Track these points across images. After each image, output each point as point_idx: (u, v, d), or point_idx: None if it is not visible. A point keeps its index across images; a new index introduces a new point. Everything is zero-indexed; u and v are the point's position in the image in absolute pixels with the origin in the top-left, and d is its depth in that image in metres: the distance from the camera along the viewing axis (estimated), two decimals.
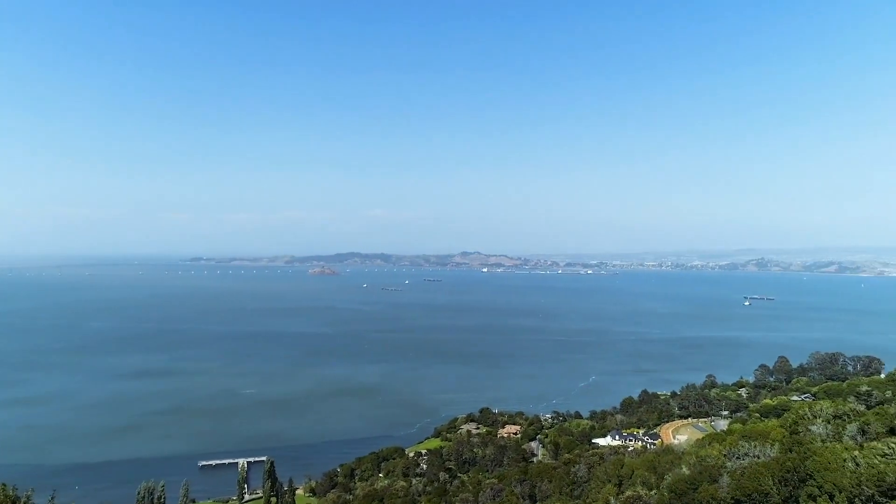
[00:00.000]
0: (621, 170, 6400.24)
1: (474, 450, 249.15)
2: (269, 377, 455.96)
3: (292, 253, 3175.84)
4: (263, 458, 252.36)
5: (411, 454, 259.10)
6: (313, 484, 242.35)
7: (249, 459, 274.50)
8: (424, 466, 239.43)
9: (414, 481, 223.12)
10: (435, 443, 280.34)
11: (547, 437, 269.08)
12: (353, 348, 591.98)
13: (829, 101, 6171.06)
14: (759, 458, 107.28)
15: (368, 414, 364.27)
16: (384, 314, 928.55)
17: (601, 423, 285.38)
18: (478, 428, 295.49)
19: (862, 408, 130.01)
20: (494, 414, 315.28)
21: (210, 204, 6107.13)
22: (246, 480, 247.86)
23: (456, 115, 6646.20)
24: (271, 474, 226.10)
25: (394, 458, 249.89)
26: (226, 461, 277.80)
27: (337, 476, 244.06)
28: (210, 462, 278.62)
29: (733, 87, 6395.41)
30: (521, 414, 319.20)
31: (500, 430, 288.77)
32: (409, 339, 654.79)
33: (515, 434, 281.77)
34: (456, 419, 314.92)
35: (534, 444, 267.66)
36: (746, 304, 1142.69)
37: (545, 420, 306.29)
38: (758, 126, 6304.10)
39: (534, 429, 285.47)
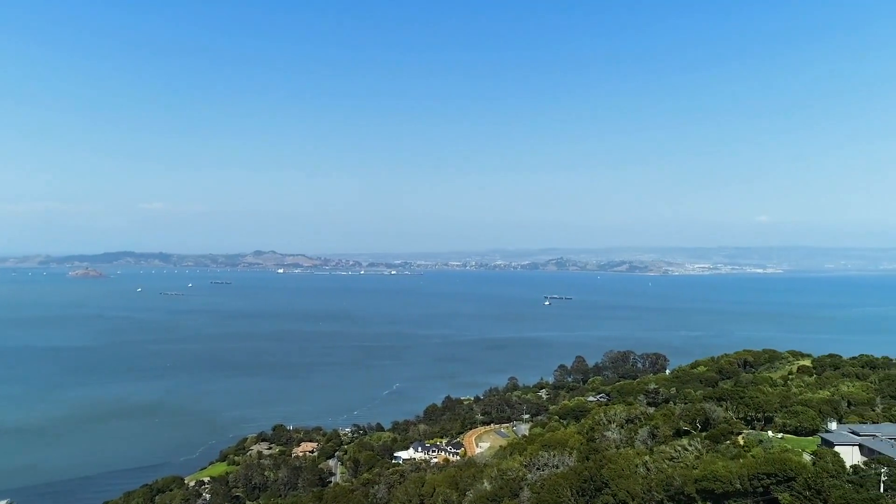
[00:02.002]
0: (426, 168, 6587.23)
1: (265, 473, 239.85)
2: (16, 402, 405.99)
3: (48, 252, 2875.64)
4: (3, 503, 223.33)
5: (192, 483, 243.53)
6: None
7: None
8: (207, 496, 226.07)
9: None
10: (220, 468, 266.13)
11: (346, 453, 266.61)
12: (125, 363, 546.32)
13: (619, 109, 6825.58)
14: (558, 467, 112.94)
15: (143, 439, 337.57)
16: (163, 322, 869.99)
17: (404, 434, 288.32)
18: (270, 448, 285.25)
19: (651, 410, 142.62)
20: (289, 431, 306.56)
21: None
22: None
23: (245, 101, 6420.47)
24: None
25: (171, 490, 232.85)
26: None
27: None
28: None
29: (535, 98, 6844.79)
30: (318, 429, 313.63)
31: (296, 449, 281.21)
32: (192, 351, 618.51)
33: (312, 452, 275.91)
34: (245, 439, 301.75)
35: (332, 463, 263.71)
36: (546, 303, 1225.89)
37: (345, 435, 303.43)
38: (556, 133, 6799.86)
39: (332, 445, 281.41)
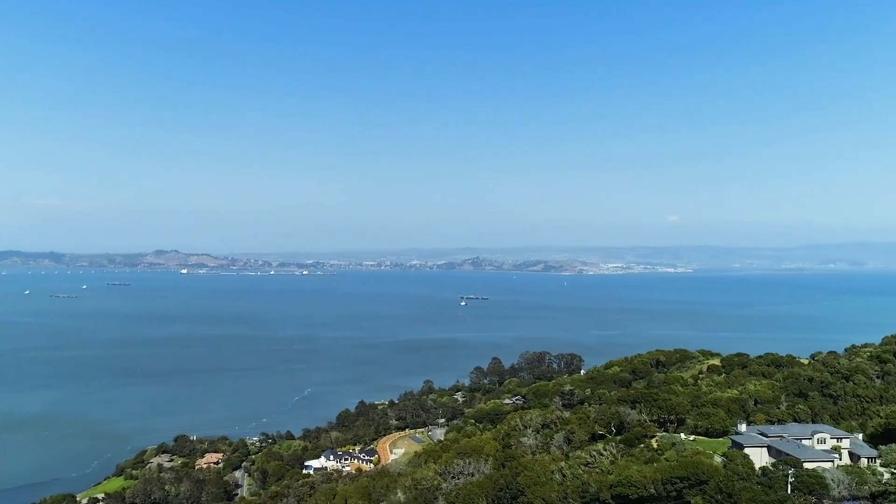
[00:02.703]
0: (339, 166, 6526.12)
1: (166, 487, 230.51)
2: None
3: None
4: None
5: (84, 501, 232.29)
6: None
7: None
8: None
9: None
10: (117, 483, 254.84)
11: (254, 464, 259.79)
12: (9, 372, 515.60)
13: (533, 112, 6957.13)
14: (473, 475, 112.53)
15: (31, 454, 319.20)
16: (54, 327, 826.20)
17: (315, 442, 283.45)
18: (171, 460, 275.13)
19: (567, 414, 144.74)
20: (192, 441, 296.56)
21: None
22: None
23: (145, 86, 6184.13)
24: None
25: None
26: None
27: None
28: None
29: (454, 99, 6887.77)
30: (224, 439, 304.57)
31: (199, 461, 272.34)
32: (86, 357, 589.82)
33: (217, 464, 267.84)
34: (144, 452, 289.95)
35: (238, 474, 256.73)
36: (463, 304, 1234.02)
37: (252, 444, 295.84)
38: (470, 134, 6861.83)
39: (238, 456, 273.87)
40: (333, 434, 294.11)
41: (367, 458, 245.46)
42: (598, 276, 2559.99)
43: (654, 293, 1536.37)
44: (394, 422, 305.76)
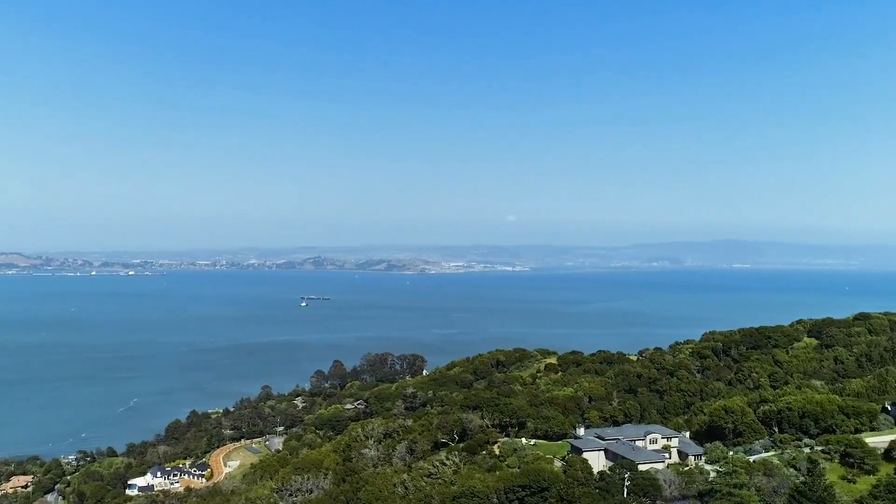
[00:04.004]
0: (171, 159, 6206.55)
1: None
2: None
3: None
4: None
5: None
6: None
7: None
8: None
9: None
10: None
11: (69, 485, 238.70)
12: None
13: (365, 109, 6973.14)
14: (312, 492, 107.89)
15: None
16: None
17: (140, 458, 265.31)
18: None
19: (410, 422, 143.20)
20: None
21: None
22: None
23: None
24: None
25: None
26: None
27: None
28: None
29: (281, 95, 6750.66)
30: (35, 459, 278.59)
31: (4, 485, 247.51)
32: None
33: (25, 487, 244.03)
34: None
35: (51, 498, 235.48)
36: (303, 304, 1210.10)
37: (68, 464, 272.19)
38: (307, 130, 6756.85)
39: (51, 477, 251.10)
40: (161, 448, 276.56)
41: (198, 472, 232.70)
42: (441, 274, 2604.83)
43: (493, 291, 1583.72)
44: (228, 432, 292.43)
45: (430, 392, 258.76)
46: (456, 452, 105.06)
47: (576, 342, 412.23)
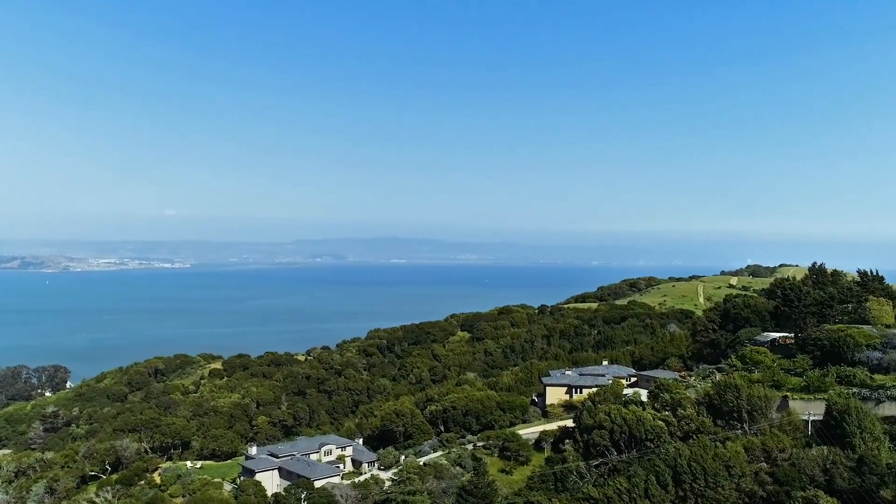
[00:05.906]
0: None
1: None
2: None
3: None
4: None
5: None
6: None
7: None
8: None
9: None
10: None
11: None
12: None
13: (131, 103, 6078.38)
14: None
15: None
16: None
17: None
18: None
19: (51, 454, 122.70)
20: None
21: None
22: None
23: None
24: None
25: None
26: None
27: None
28: None
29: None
30: None
31: None
32: None
33: None
34: None
35: None
36: None
37: None
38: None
39: None
40: None
41: None
42: (88, 272, 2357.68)
43: (151, 290, 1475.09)
44: None
45: (77, 409, 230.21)
46: (109, 487, 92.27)
47: (242, 342, 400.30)
